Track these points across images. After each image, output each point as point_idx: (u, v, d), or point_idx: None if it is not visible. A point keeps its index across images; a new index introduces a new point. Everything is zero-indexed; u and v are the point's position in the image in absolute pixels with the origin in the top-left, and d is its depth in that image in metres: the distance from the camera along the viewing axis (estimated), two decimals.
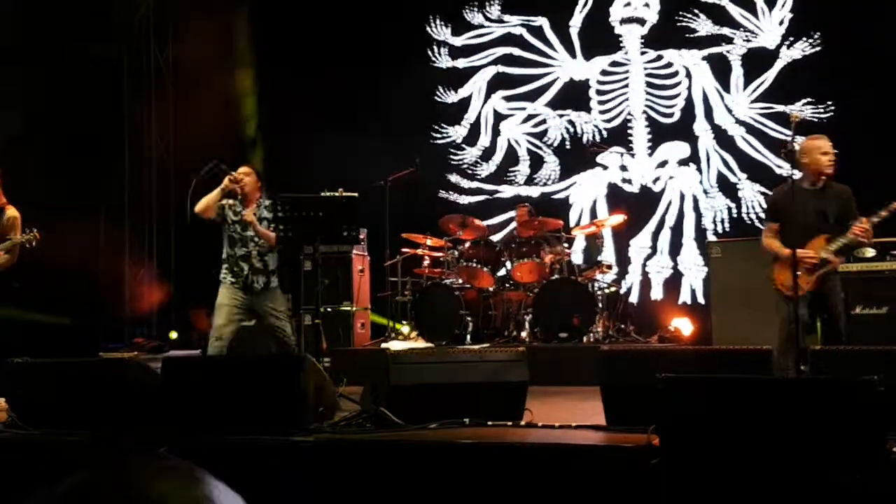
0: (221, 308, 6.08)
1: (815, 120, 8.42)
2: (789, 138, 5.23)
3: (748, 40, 9.16)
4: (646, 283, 9.35)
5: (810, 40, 8.85)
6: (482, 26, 10.21)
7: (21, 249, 6.26)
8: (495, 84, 10.11)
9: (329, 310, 8.10)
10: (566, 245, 7.95)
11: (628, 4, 9.61)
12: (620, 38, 9.66)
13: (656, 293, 9.33)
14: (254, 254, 6.16)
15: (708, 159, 9.31)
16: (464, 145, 10.21)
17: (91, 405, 3.70)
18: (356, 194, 5.39)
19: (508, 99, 10.08)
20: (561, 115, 9.84)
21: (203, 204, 6.04)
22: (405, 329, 8.37)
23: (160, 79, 10.76)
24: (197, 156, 5.80)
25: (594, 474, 3.26)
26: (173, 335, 10.07)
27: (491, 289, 7.98)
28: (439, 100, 10.24)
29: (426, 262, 8.41)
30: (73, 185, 9.26)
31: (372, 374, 4.15)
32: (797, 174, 5.35)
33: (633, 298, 9.15)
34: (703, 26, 9.28)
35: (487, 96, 10.14)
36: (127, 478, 0.75)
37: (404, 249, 8.53)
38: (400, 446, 3.53)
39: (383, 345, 7.91)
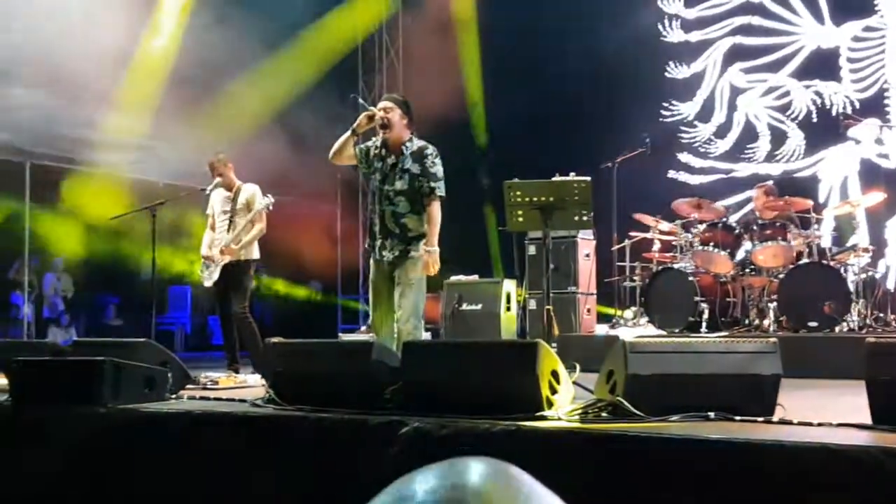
0: (371, 290, 4.96)
1: None
2: None
3: None
4: None
5: None
6: None
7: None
8: (732, 56, 9.56)
9: (554, 294, 8.00)
10: (815, 227, 7.32)
11: None
12: (875, 1, 8.77)
13: None
14: (388, 213, 4.72)
15: None
16: (696, 122, 9.73)
17: (340, 384, 3.86)
18: (589, 179, 5.22)
19: (747, 71, 9.48)
20: (807, 87, 9.12)
21: (334, 148, 4.93)
22: (628, 314, 8.13)
23: (388, 58, 11.19)
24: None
25: (863, 479, 2.92)
26: None
27: (729, 274, 7.51)
28: (669, 75, 9.82)
29: (656, 247, 8.09)
30: (312, 170, 9.81)
31: (606, 361, 4.00)
32: None
33: (891, 284, 8.29)
34: None
35: (723, 69, 9.60)
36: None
37: (632, 233, 8.26)
38: (640, 438, 3.36)
39: (611, 331, 7.74)
